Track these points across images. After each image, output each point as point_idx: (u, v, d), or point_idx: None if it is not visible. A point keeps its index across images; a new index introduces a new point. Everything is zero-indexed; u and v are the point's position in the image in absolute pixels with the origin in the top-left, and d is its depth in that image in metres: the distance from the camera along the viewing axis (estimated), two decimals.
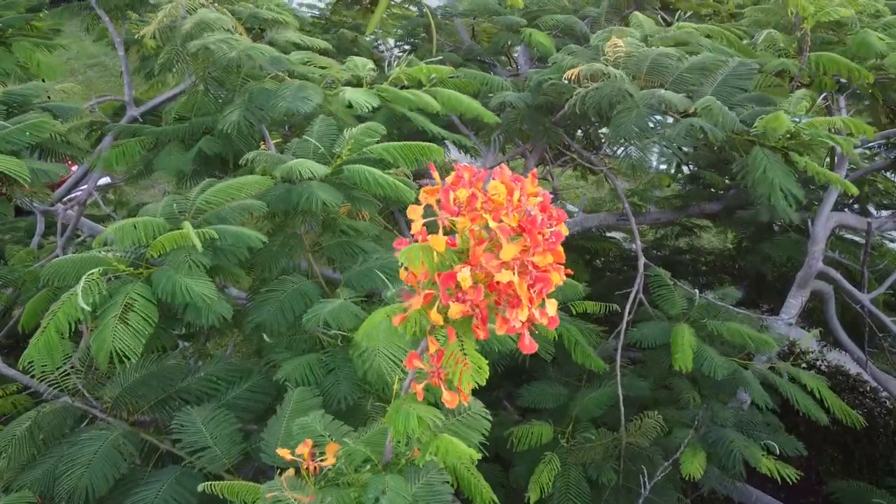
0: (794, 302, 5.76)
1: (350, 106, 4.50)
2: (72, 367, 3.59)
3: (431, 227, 2.13)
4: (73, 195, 5.93)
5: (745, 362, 4.92)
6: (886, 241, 8.29)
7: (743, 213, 7.23)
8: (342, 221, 4.18)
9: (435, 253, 2.11)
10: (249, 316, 3.70)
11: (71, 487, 3.04)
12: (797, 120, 3.80)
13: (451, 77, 4.74)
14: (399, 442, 2.27)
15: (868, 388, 9.23)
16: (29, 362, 3.19)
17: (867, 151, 8.26)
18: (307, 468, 2.32)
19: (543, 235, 2.21)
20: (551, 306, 2.26)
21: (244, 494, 2.77)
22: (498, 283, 2.14)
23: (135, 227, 3.32)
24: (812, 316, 7.07)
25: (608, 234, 8.97)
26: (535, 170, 2.34)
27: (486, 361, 2.25)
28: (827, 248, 6.06)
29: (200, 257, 3.29)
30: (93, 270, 3.08)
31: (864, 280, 5.67)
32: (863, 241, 6.33)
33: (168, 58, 4.32)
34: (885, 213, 7.37)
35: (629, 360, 5.37)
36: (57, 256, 4.88)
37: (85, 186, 5.33)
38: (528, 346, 2.27)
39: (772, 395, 4.71)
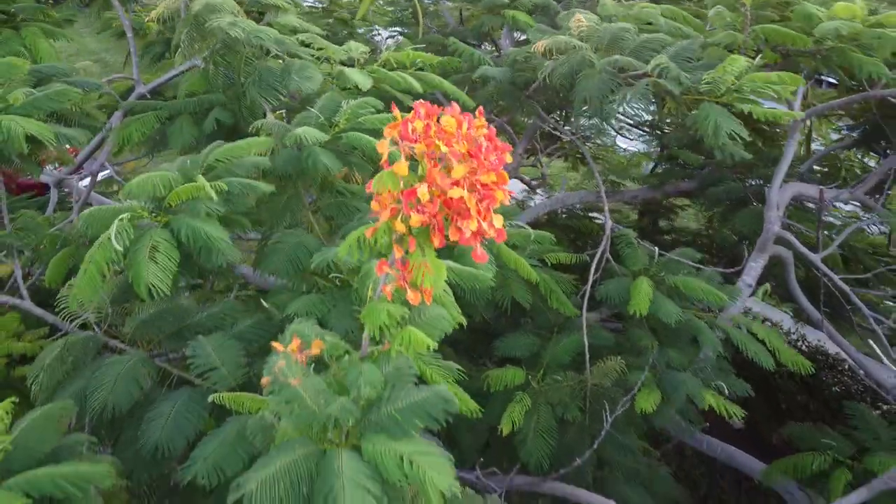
0: (755, 265, 6.25)
1: (345, 88, 5.03)
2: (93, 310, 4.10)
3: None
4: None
5: (707, 315, 5.41)
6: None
7: (715, 189, 7.72)
8: (339, 184, 4.69)
9: (399, 176, 2.61)
10: (261, 263, 4.21)
11: (100, 404, 3.53)
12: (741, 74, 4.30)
13: (439, 58, 5.26)
14: (373, 334, 2.77)
15: (846, 366, 9.68)
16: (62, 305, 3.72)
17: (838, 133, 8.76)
18: (296, 359, 2.82)
19: (488, 159, 2.71)
20: (497, 220, 2.76)
21: (248, 405, 3.28)
22: (451, 198, 2.64)
23: (154, 180, 3.81)
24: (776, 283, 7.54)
25: (592, 216, 9.48)
26: (481, 108, 2.79)
27: (444, 266, 2.75)
28: (785, 215, 6.54)
29: (214, 205, 3.79)
30: (122, 216, 3.58)
31: (819, 243, 6.15)
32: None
33: (181, 37, 4.82)
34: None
35: (608, 330, 5.84)
36: (71, 222, 5.38)
37: (99, 158, 5.84)
38: (480, 255, 2.77)
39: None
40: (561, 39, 4.56)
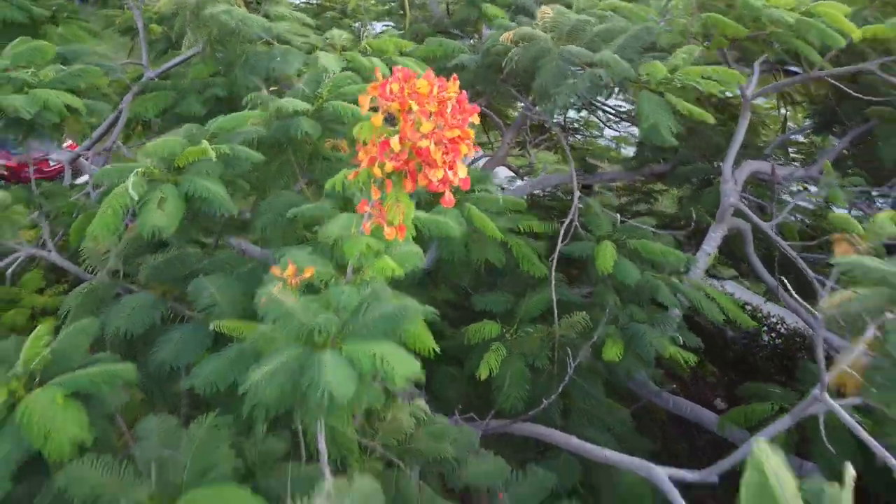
0: (715, 235, 6.80)
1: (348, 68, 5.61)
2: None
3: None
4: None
5: (666, 277, 5.96)
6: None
7: (683, 168, 8.27)
8: (326, 152, 5.25)
9: (374, 126, 3.17)
10: (255, 221, 4.77)
11: (118, 330, 4.10)
12: (676, 68, 4.85)
13: (414, 44, 5.84)
14: (355, 263, 3.32)
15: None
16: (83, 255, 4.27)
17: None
18: (291, 282, 3.37)
19: (454, 117, 3.28)
20: (461, 170, 3.32)
21: (244, 330, 3.84)
22: (421, 149, 3.19)
23: (166, 143, 4.37)
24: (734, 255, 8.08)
25: (571, 198, 10.02)
26: (455, 75, 3.34)
27: (413, 205, 3.31)
28: (746, 191, 7.09)
29: (215, 166, 4.35)
30: (138, 169, 4.14)
31: (773, 213, 6.68)
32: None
33: (182, 24, 5.40)
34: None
35: (581, 296, 6.39)
36: (87, 194, 5.93)
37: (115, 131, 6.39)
38: (447, 201, 3.33)
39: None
40: (526, 30, 5.12)
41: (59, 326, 4.03)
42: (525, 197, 8.80)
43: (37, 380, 3.50)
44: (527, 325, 5.71)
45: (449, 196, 3.35)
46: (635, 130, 11.08)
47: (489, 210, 5.42)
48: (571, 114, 11.94)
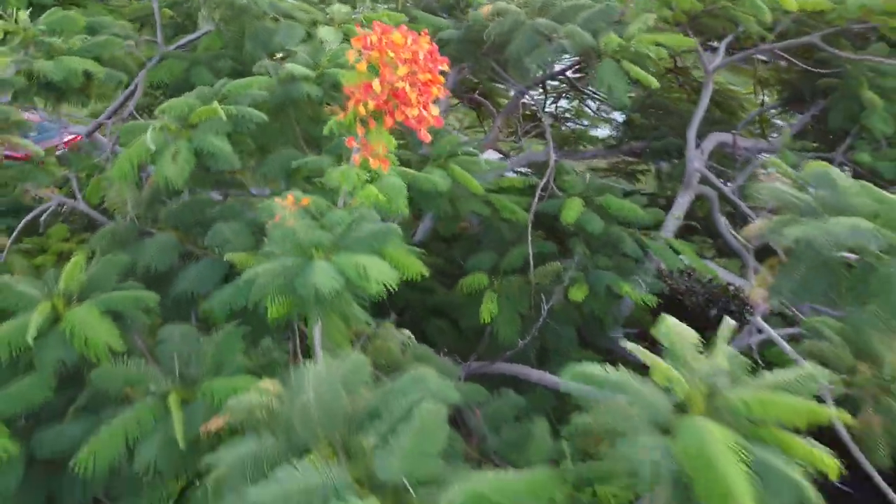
0: (682, 200, 7.38)
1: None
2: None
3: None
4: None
5: (633, 231, 6.54)
6: None
7: (657, 143, 8.85)
8: (325, 115, 5.83)
9: (359, 72, 3.77)
10: (261, 168, 5.36)
11: (145, 265, 4.69)
12: (631, 37, 5.47)
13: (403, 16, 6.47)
14: (347, 187, 3.92)
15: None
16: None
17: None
18: (290, 209, 3.96)
19: (426, 64, 3.87)
20: (434, 109, 3.91)
21: (252, 262, 4.41)
22: (397, 90, 3.79)
23: (181, 102, 4.96)
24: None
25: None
26: (426, 30, 3.96)
27: (395, 141, 3.91)
28: (714, 160, 7.68)
29: (224, 125, 4.94)
30: (155, 124, 4.73)
31: (736, 178, 7.28)
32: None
33: (197, 2, 6.00)
34: None
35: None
36: (107, 158, 6.51)
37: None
38: (424, 136, 3.93)
39: None
40: (501, 4, 5.73)
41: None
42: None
43: (74, 299, 4.10)
44: (509, 276, 6.30)
45: (425, 133, 3.96)
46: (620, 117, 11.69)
47: (472, 171, 6.01)
48: (563, 103, 12.57)
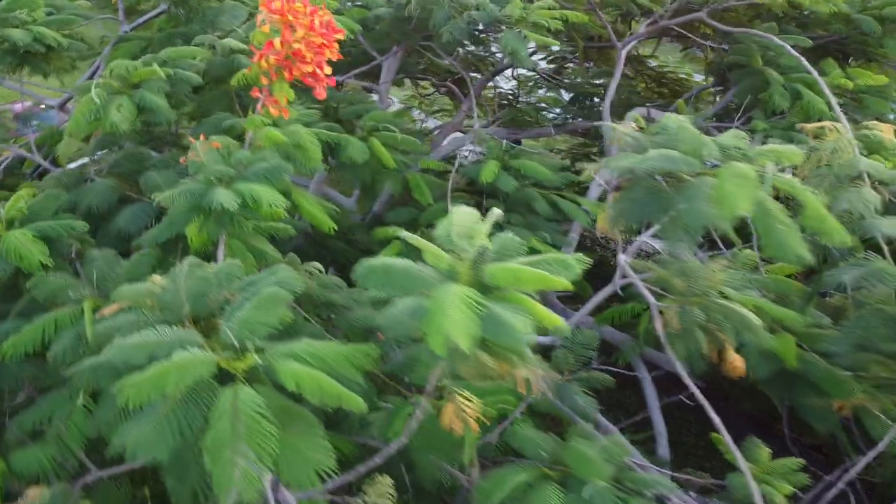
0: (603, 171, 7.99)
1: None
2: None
3: None
4: None
5: (548, 193, 7.13)
6: None
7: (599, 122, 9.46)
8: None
9: (264, 32, 4.42)
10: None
11: (87, 205, 5.34)
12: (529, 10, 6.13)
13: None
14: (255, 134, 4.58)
15: None
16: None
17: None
18: (203, 149, 4.60)
19: (321, 30, 4.52)
20: (327, 70, 4.56)
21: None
22: (295, 50, 4.44)
23: (125, 63, 5.63)
24: None
25: None
26: (324, 3, 4.63)
27: (293, 93, 4.55)
28: None
29: (163, 84, 5.60)
30: (97, 81, 5.39)
31: None
32: None
33: None
34: None
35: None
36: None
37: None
38: (319, 93, 4.57)
39: None
40: None
41: None
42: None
43: (16, 225, 4.76)
44: (426, 229, 6.90)
45: (321, 90, 4.61)
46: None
47: (391, 145, 6.63)
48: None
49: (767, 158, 4.22)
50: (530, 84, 11.76)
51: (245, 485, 2.82)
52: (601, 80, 11.21)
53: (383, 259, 3.33)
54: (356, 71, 7.74)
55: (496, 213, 3.45)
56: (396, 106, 13.84)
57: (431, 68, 11.10)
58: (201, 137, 4.62)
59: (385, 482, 3.15)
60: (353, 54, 8.04)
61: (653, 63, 11.46)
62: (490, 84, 11.50)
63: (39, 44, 5.85)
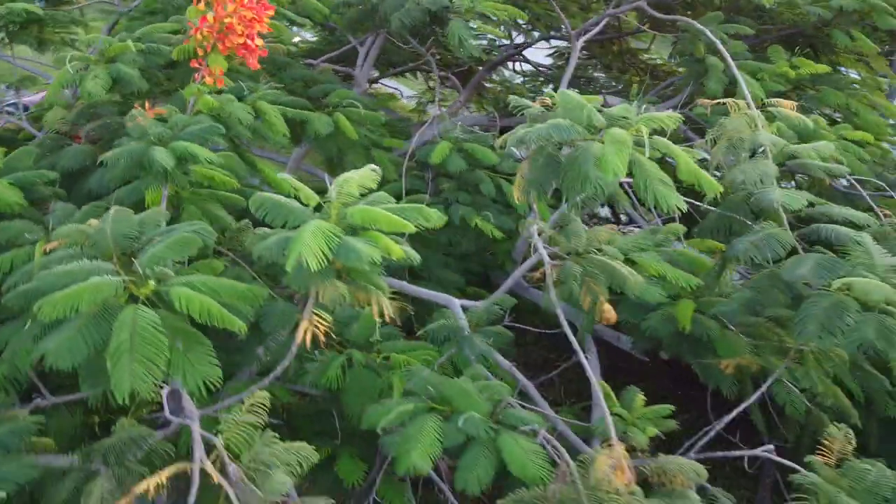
0: None
1: None
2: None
3: None
4: None
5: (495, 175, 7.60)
6: None
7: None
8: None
9: (198, 9, 4.98)
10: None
11: (61, 167, 5.98)
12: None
13: None
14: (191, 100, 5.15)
15: None
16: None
17: None
18: (148, 114, 5.18)
19: (251, 6, 5.05)
20: (259, 43, 5.10)
21: None
22: (227, 24, 4.99)
23: (101, 38, 6.25)
24: None
25: None
26: None
27: (226, 62, 5.11)
28: None
29: (136, 58, 6.21)
30: (74, 54, 6.03)
31: None
32: None
33: None
34: None
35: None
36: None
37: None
38: (252, 64, 5.13)
39: None
40: None
41: None
42: None
43: None
44: None
45: (253, 61, 5.16)
46: None
47: (356, 121, 7.16)
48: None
49: (645, 124, 4.67)
50: (540, 80, 12.23)
51: (138, 385, 3.39)
52: (601, 74, 11.64)
53: (269, 194, 3.89)
54: (330, 55, 8.26)
55: (372, 168, 3.96)
56: (406, 99, 14.34)
57: (444, 61, 11.55)
58: (146, 106, 5.21)
59: (260, 395, 3.66)
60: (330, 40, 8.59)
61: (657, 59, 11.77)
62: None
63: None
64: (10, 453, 3.89)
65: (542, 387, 7.53)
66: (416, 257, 3.89)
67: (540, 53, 12.28)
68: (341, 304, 3.67)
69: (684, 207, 4.52)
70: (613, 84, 10.81)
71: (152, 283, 3.67)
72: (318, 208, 3.82)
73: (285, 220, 3.75)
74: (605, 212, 10.03)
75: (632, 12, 8.72)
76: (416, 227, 3.72)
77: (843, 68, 8.60)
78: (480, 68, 10.90)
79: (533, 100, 5.19)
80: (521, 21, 7.99)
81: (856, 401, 5.84)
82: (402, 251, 3.65)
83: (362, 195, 3.98)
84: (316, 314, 3.73)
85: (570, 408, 6.93)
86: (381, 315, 3.77)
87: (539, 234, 5.13)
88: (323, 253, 3.35)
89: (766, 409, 6.00)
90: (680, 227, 6.29)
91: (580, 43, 7.75)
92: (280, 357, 4.64)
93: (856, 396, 5.81)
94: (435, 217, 3.88)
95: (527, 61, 11.82)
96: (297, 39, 10.99)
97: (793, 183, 7.12)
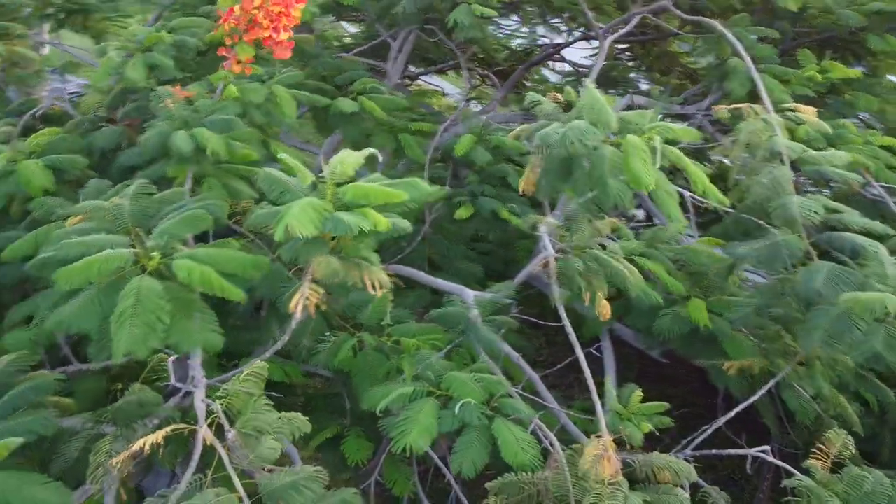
0: None
1: None
2: None
3: None
4: None
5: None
6: None
7: None
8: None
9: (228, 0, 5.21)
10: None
11: (97, 147, 6.30)
12: None
13: None
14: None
15: None
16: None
17: None
18: (176, 98, 5.42)
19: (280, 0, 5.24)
20: (286, 35, 5.29)
21: None
22: (253, 16, 5.19)
23: (138, 30, 6.56)
24: None
25: None
26: None
27: (254, 51, 5.32)
28: None
29: (170, 48, 6.49)
30: (116, 44, 6.34)
31: None
32: None
33: None
34: None
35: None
36: None
37: None
38: (280, 54, 5.32)
39: None
40: None
41: None
42: None
43: (32, 157, 5.77)
44: None
45: (281, 51, 5.36)
46: None
47: (382, 106, 7.31)
48: None
49: (657, 132, 4.69)
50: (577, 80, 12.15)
51: (135, 347, 3.61)
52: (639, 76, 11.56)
53: (272, 170, 4.08)
54: (362, 47, 8.43)
55: (370, 151, 4.10)
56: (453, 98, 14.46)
57: (485, 59, 11.64)
58: (177, 89, 5.46)
59: (259, 366, 3.83)
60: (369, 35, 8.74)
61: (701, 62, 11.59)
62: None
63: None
64: (30, 407, 4.14)
65: (563, 388, 7.63)
66: (405, 227, 3.99)
67: (579, 53, 12.28)
68: (335, 279, 3.82)
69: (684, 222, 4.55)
70: (654, 86, 10.72)
71: (157, 255, 3.88)
72: (315, 186, 3.99)
73: (281, 195, 3.93)
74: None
75: (668, 14, 8.67)
76: (410, 198, 3.85)
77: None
78: (520, 67, 10.95)
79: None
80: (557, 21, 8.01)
81: (870, 409, 5.77)
82: (389, 222, 3.77)
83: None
84: (312, 290, 3.88)
85: (582, 402, 6.96)
86: (374, 288, 3.91)
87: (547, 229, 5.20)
88: (312, 224, 3.52)
89: (780, 415, 6.00)
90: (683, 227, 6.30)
91: (608, 42, 7.74)
92: (299, 336, 4.86)
93: (871, 405, 5.74)
94: (429, 189, 4.04)
95: (565, 61, 11.81)
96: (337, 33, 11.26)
97: (827, 190, 7.04)
